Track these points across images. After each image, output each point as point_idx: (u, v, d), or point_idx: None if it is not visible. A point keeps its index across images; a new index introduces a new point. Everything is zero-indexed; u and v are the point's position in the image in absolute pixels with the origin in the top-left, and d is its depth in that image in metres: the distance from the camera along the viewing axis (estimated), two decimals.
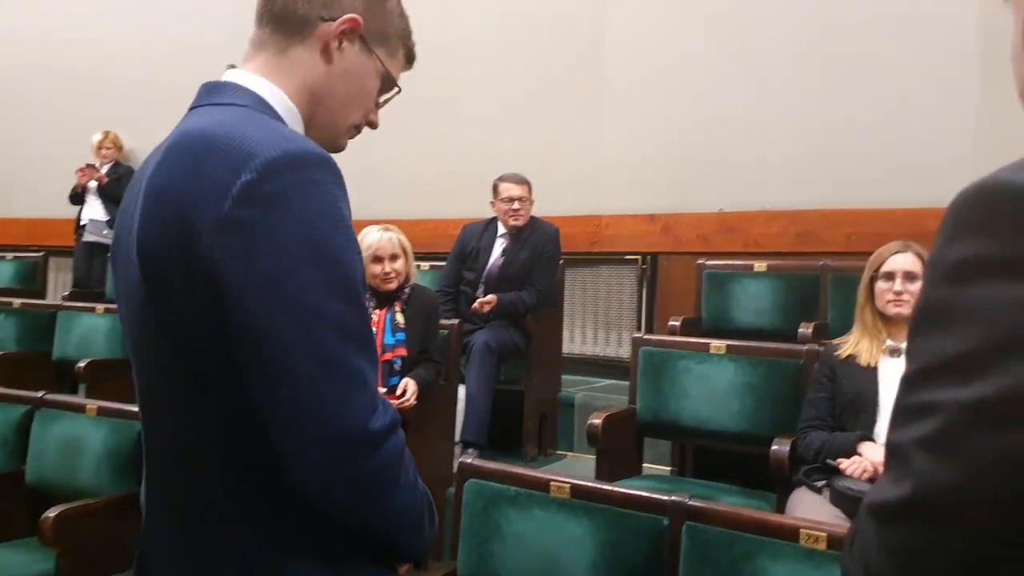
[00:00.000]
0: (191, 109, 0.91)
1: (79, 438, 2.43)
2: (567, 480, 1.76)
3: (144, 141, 5.20)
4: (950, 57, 3.59)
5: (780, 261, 3.43)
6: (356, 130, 1.00)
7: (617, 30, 4.58)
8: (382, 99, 1.00)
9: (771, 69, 4.09)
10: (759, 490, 2.32)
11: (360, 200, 4.38)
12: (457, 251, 3.71)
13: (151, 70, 5.42)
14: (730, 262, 3.51)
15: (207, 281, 0.77)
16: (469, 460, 1.91)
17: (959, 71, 3.58)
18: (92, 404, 2.49)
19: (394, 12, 0.99)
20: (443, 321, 3.05)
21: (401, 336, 2.76)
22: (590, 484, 1.75)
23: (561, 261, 3.92)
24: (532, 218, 3.69)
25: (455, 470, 1.93)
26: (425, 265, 4.19)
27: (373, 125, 1.00)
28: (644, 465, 3.10)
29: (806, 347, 2.35)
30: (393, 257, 2.84)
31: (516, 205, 3.57)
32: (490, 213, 3.76)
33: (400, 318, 2.80)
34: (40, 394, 2.60)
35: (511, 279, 3.56)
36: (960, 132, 3.58)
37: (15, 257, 5.31)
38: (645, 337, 2.67)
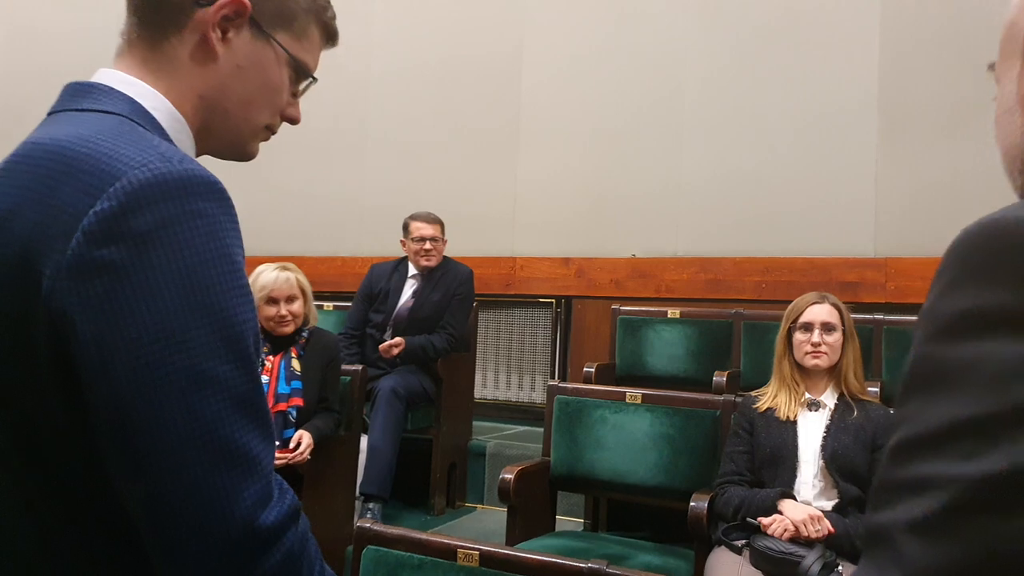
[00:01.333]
0: (49, 114, 0.73)
1: None
2: (476, 547, 1.60)
3: None
4: (852, 110, 3.73)
5: (693, 308, 3.42)
6: (268, 131, 0.83)
7: (532, 73, 4.56)
8: (299, 88, 0.83)
9: (684, 116, 4.15)
10: (677, 546, 2.22)
11: (257, 234, 4.15)
12: (364, 291, 3.53)
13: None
14: (644, 308, 3.48)
15: (49, 339, 0.61)
16: (368, 524, 1.73)
17: (860, 123, 3.72)
18: None
19: None
20: (346, 367, 2.85)
21: (297, 384, 2.55)
22: (501, 551, 1.60)
23: (475, 303, 3.80)
24: (445, 258, 3.56)
25: (354, 531, 1.75)
26: (329, 305, 3.99)
27: (293, 120, 0.84)
28: (558, 518, 2.97)
29: (722, 398, 2.30)
30: (290, 299, 2.63)
31: (428, 245, 3.44)
32: (400, 252, 3.61)
33: (296, 364, 2.59)
34: None
35: (421, 322, 3.41)
36: (861, 184, 3.70)
37: None
38: (560, 385, 2.56)
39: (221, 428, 0.62)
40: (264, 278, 2.62)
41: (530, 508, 2.43)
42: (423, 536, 1.69)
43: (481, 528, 3.24)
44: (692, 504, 2.01)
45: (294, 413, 2.53)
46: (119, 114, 0.70)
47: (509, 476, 2.30)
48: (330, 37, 0.85)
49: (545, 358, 4.54)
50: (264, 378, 2.55)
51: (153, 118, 0.73)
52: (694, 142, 4.10)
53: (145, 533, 0.63)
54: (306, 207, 4.95)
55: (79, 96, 0.72)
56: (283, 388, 2.55)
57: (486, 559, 1.57)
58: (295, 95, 0.84)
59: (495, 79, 4.61)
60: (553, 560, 1.56)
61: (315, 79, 0.84)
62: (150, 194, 0.61)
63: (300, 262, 4.82)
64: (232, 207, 0.68)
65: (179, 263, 0.61)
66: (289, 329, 2.62)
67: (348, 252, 4.81)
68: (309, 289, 2.73)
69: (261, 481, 0.64)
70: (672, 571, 2.05)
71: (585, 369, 3.20)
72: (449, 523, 3.29)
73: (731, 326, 3.20)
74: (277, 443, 2.42)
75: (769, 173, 3.88)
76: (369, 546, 1.68)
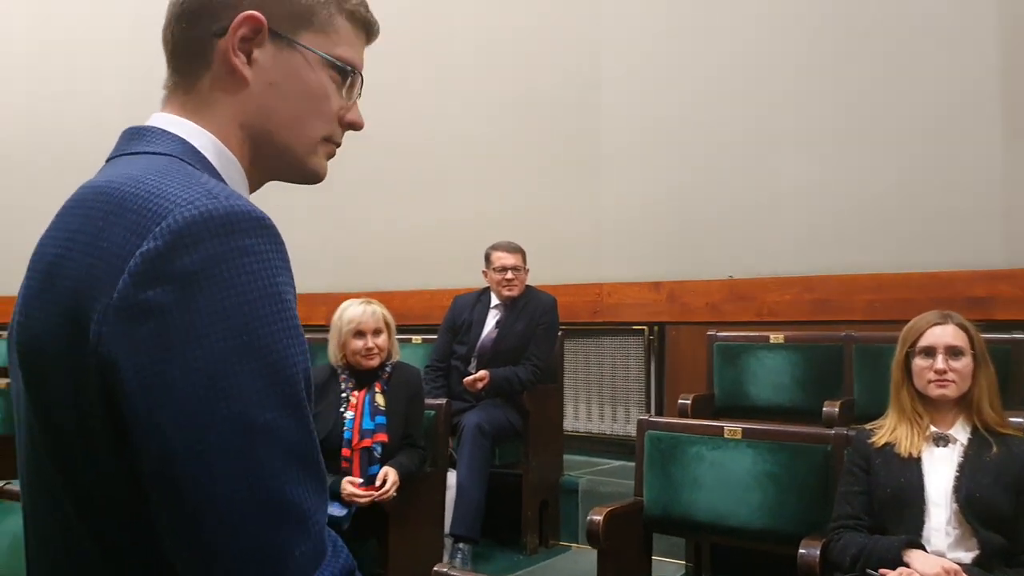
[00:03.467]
0: (107, 160, 0.72)
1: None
2: None
3: None
4: (972, 107, 3.41)
5: (797, 331, 3.17)
6: (329, 143, 0.77)
7: (611, 96, 4.45)
8: (347, 87, 0.76)
9: (779, 127, 3.92)
10: None
11: (350, 271, 4.17)
12: (448, 323, 3.48)
13: None
14: (743, 333, 3.26)
15: (98, 386, 0.57)
16: (444, 569, 1.63)
17: (982, 121, 3.39)
18: None
19: None
20: (429, 401, 2.79)
21: (381, 420, 2.50)
22: None
23: (560, 332, 3.68)
24: (527, 287, 3.47)
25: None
26: (418, 338, 3.96)
27: (355, 126, 0.79)
28: (656, 559, 2.78)
29: (834, 431, 2.07)
30: (376, 332, 2.60)
31: (510, 275, 3.35)
32: (484, 283, 3.54)
33: (380, 399, 2.54)
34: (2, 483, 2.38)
35: (506, 353, 3.31)
36: (986, 187, 3.36)
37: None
38: (651, 419, 2.39)
39: (271, 482, 0.57)
40: (351, 312, 2.62)
41: (622, 551, 2.26)
42: None
43: (575, 569, 3.09)
44: (802, 551, 1.80)
45: (379, 449, 2.47)
46: (169, 154, 0.68)
47: (598, 518, 2.15)
48: (364, 24, 0.78)
49: (639, 388, 4.35)
50: (349, 414, 2.52)
51: (203, 156, 0.70)
52: (791, 153, 3.86)
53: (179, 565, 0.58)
54: (394, 242, 4.99)
55: (134, 140, 0.71)
56: (367, 424, 2.50)
57: None
58: (349, 99, 0.77)
59: (573, 106, 4.52)
60: None
61: (358, 73, 0.77)
62: (196, 232, 0.57)
63: (390, 296, 4.86)
64: (282, 243, 0.62)
65: (225, 303, 0.57)
66: (375, 362, 2.59)
67: (437, 285, 4.79)
68: (393, 323, 2.70)
69: (314, 539, 0.60)
70: None
71: (680, 401, 3.01)
72: (542, 563, 3.16)
73: (841, 350, 2.94)
74: (360, 480, 2.39)
75: (877, 181, 3.60)
76: None
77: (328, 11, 0.74)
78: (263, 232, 0.60)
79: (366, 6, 0.78)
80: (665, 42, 4.27)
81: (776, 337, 3.05)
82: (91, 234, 0.60)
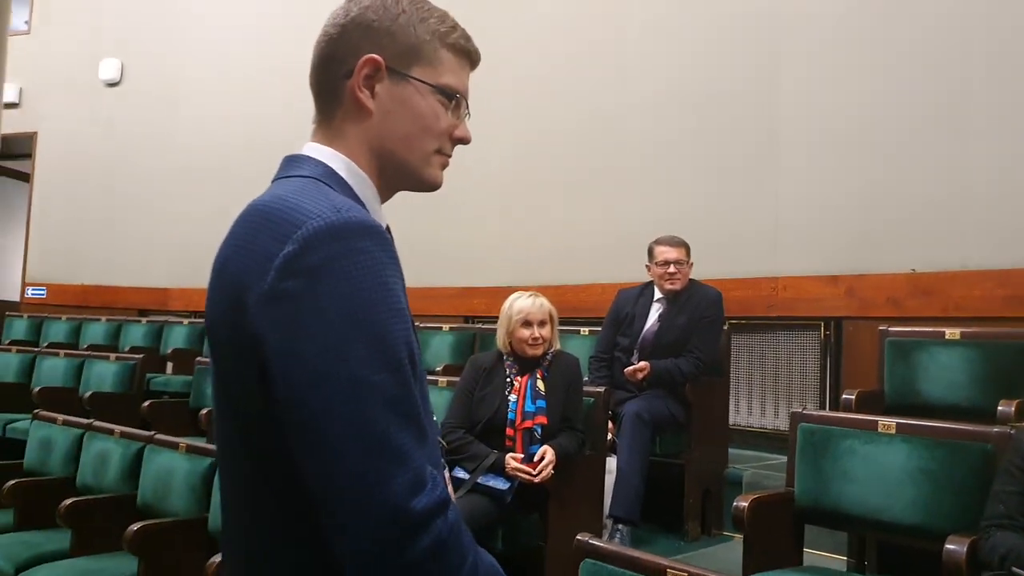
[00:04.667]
0: (273, 181, 0.92)
1: (171, 470, 2.84)
2: (684, 568, 1.60)
3: None
4: None
5: (979, 328, 2.98)
6: (441, 155, 0.93)
7: (790, 83, 4.36)
8: (453, 108, 0.92)
9: (969, 115, 3.67)
10: None
11: (526, 267, 4.49)
12: (612, 316, 3.64)
13: None
14: (917, 328, 3.12)
15: (253, 355, 0.76)
16: (586, 538, 1.82)
17: None
18: (183, 442, 2.86)
19: (411, 23, 0.90)
20: (590, 388, 2.97)
21: (542, 404, 2.73)
22: (704, 573, 1.59)
23: (726, 326, 3.71)
24: (691, 281, 3.54)
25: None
26: (585, 330, 4.15)
27: (463, 140, 0.94)
28: (811, 552, 2.77)
29: (996, 429, 2.00)
30: (542, 323, 2.84)
31: (672, 268, 3.45)
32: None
33: (541, 385, 2.77)
34: (151, 433, 3.02)
35: (667, 346, 3.42)
36: None
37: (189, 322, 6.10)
38: (805, 412, 2.41)
39: (374, 424, 0.74)
40: (520, 304, 2.87)
41: (770, 540, 2.32)
42: (634, 554, 1.73)
43: (736, 559, 3.12)
44: (949, 546, 1.78)
45: (539, 431, 2.70)
46: (311, 176, 0.87)
47: (743, 504, 2.23)
48: (466, 54, 0.93)
49: (814, 385, 4.24)
50: (512, 396, 2.77)
51: (339, 176, 0.88)
52: (982, 141, 3.60)
53: (317, 509, 0.76)
54: (568, 238, 5.21)
55: (291, 166, 0.91)
56: (529, 407, 2.74)
57: None
58: (457, 117, 0.92)
59: (752, 105, 4.48)
60: None
61: (462, 97, 0.92)
62: (322, 237, 0.76)
63: (563, 291, 5.12)
64: (389, 244, 0.80)
65: (341, 289, 0.75)
66: (539, 351, 2.82)
67: (608, 279, 4.95)
68: (556, 316, 2.92)
69: (413, 473, 0.74)
70: None
71: (844, 396, 2.95)
72: (701, 550, 3.23)
73: None
74: (521, 456, 2.63)
75: None
76: (587, 559, 1.76)
77: (433, 46, 0.90)
78: (373, 237, 0.77)
79: (466, 37, 0.93)
80: (847, 31, 4.12)
81: (952, 333, 2.90)
82: (247, 240, 0.79)
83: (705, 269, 3.86)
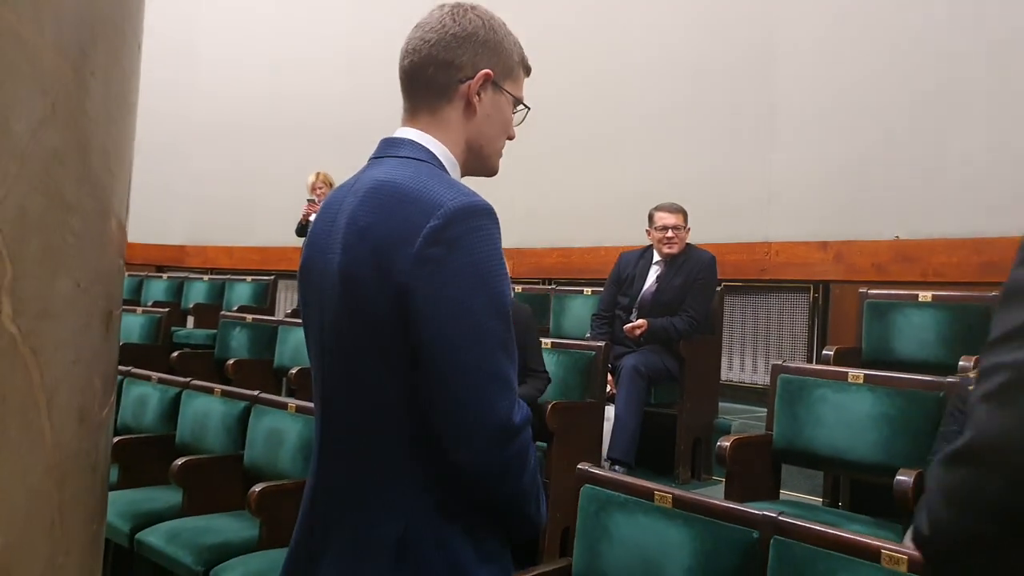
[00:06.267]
0: (375, 158, 1.11)
1: (281, 430, 2.93)
2: (669, 491, 1.88)
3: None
4: None
5: (949, 292, 3.24)
6: (500, 154, 1.18)
7: (787, 54, 4.55)
8: (517, 120, 1.17)
9: (962, 89, 3.86)
10: (893, 522, 2.26)
11: (532, 229, 4.71)
12: (613, 277, 3.89)
13: (350, 121, 6.18)
14: (894, 292, 3.37)
15: (399, 300, 0.98)
16: (586, 467, 2.09)
17: None
18: (292, 403, 2.99)
19: (512, 46, 1.14)
20: (590, 343, 3.24)
21: None
22: (689, 495, 1.87)
23: (720, 288, 3.96)
24: (688, 245, 3.78)
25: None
26: (588, 290, 4.41)
27: (512, 138, 1.18)
28: (790, 494, 3.07)
29: (948, 379, 2.26)
30: None
31: (670, 233, 3.69)
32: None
33: None
34: (256, 392, 3.16)
35: (664, 305, 3.67)
36: None
37: (252, 279, 6.25)
38: (784, 364, 2.68)
39: (491, 359, 0.99)
40: None
41: (750, 477, 2.60)
42: (626, 479, 2.01)
43: (719, 496, 3.42)
44: (898, 478, 2.05)
45: None
46: (425, 161, 1.07)
47: (726, 444, 2.51)
48: (528, 70, 1.19)
49: (802, 344, 4.52)
50: None
51: (440, 161, 1.09)
52: (967, 119, 3.81)
53: (440, 423, 0.99)
54: (575, 203, 5.43)
55: (394, 147, 1.10)
56: None
57: (677, 501, 1.85)
58: (518, 122, 1.18)
59: (748, 74, 4.67)
60: (732, 507, 1.79)
61: (528, 107, 1.17)
62: (458, 216, 0.98)
63: (568, 253, 5.37)
64: (498, 223, 1.03)
65: (471, 257, 0.98)
66: None
67: (612, 243, 5.19)
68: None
69: (512, 396, 1.00)
70: None
71: (824, 352, 3.22)
72: (692, 491, 3.52)
73: (989, 310, 3.00)
74: None
75: None
76: (586, 485, 2.04)
77: (518, 67, 1.15)
78: (490, 217, 1.00)
79: (527, 58, 1.18)
80: (840, 10, 4.30)
81: (925, 296, 3.15)
82: (388, 213, 1.00)
83: (703, 234, 4.10)
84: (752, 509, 1.74)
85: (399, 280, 0.98)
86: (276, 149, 7.14)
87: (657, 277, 3.75)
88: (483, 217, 1.00)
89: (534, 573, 1.98)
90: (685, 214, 3.76)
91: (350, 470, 1.08)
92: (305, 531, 1.14)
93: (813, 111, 4.42)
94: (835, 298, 4.33)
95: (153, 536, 2.66)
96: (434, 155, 1.08)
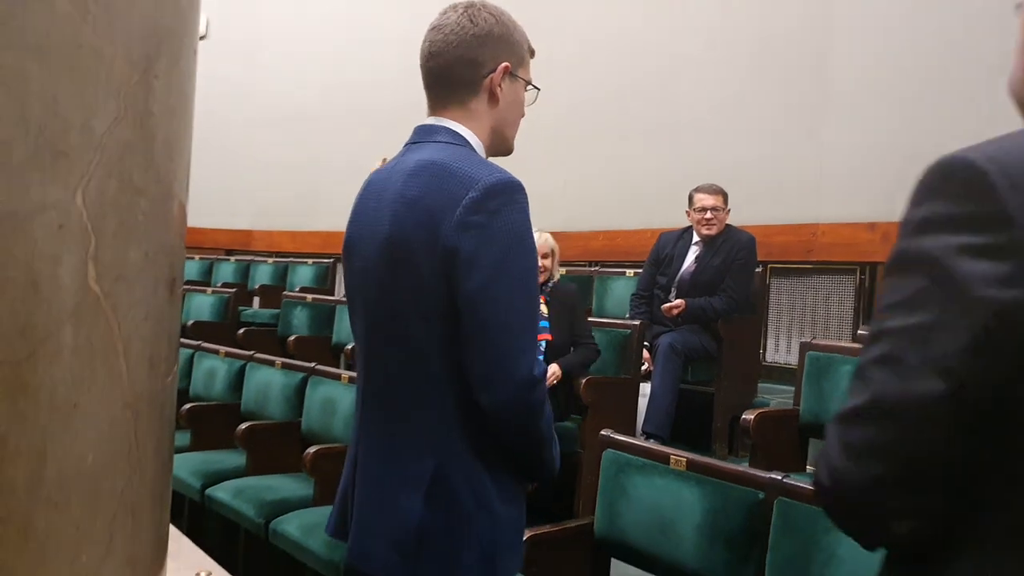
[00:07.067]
0: (414, 143, 1.27)
1: (334, 399, 3.16)
2: (684, 455, 2.01)
3: None
4: None
5: None
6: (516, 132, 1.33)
7: (843, 31, 4.52)
8: (528, 100, 1.32)
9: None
10: None
11: (580, 212, 4.85)
12: (653, 257, 3.98)
13: (405, 105, 6.37)
14: None
15: (444, 261, 1.14)
16: (608, 433, 2.23)
17: None
18: (345, 374, 3.22)
19: (521, 37, 1.29)
20: (627, 321, 3.36)
21: (545, 324, 3.13)
22: (703, 459, 1.99)
23: (760, 269, 4.01)
24: (728, 226, 3.84)
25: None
26: (631, 272, 4.51)
27: (522, 115, 1.34)
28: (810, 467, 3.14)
29: None
30: (544, 256, 3.23)
31: (708, 215, 3.76)
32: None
33: (544, 308, 3.17)
34: (312, 364, 3.40)
35: (703, 285, 3.75)
36: None
37: (313, 262, 6.56)
38: (812, 343, 2.76)
39: (523, 316, 1.16)
40: None
41: (777, 451, 2.69)
42: (645, 444, 2.15)
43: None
44: None
45: (543, 345, 3.13)
46: (461, 145, 1.24)
47: (750, 417, 2.61)
48: (533, 54, 1.33)
49: (847, 326, 4.52)
50: None
51: (471, 146, 1.25)
52: None
53: (473, 371, 1.15)
54: (623, 185, 5.52)
55: (431, 133, 1.26)
56: None
57: (691, 464, 1.97)
58: (530, 102, 1.34)
59: (802, 47, 4.66)
60: (741, 469, 1.90)
61: (539, 88, 1.33)
62: (495, 190, 1.14)
63: (613, 235, 5.47)
64: (527, 198, 1.18)
65: (508, 226, 1.14)
66: (541, 279, 3.23)
67: (657, 225, 5.26)
68: (557, 250, 3.30)
69: (535, 351, 1.18)
70: None
71: (859, 332, 3.26)
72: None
73: None
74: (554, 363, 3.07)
75: None
76: (608, 449, 2.19)
77: (526, 53, 1.30)
78: (522, 192, 1.16)
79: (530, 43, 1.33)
80: None
81: None
82: (436, 186, 1.16)
83: (750, 214, 4.14)
84: (760, 472, 1.85)
85: (444, 244, 1.13)
86: (336, 137, 7.42)
87: (696, 258, 3.83)
88: (517, 192, 1.16)
89: (561, 527, 2.14)
90: (725, 195, 3.82)
91: (388, 418, 1.24)
92: (348, 477, 1.31)
93: (865, 89, 4.40)
94: (881, 280, 4.31)
95: (221, 492, 2.92)
96: (467, 140, 1.25)
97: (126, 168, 1.05)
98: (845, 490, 0.68)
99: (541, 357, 3.11)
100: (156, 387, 1.14)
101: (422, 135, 1.26)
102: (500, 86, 1.25)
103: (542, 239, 3.26)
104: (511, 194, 1.15)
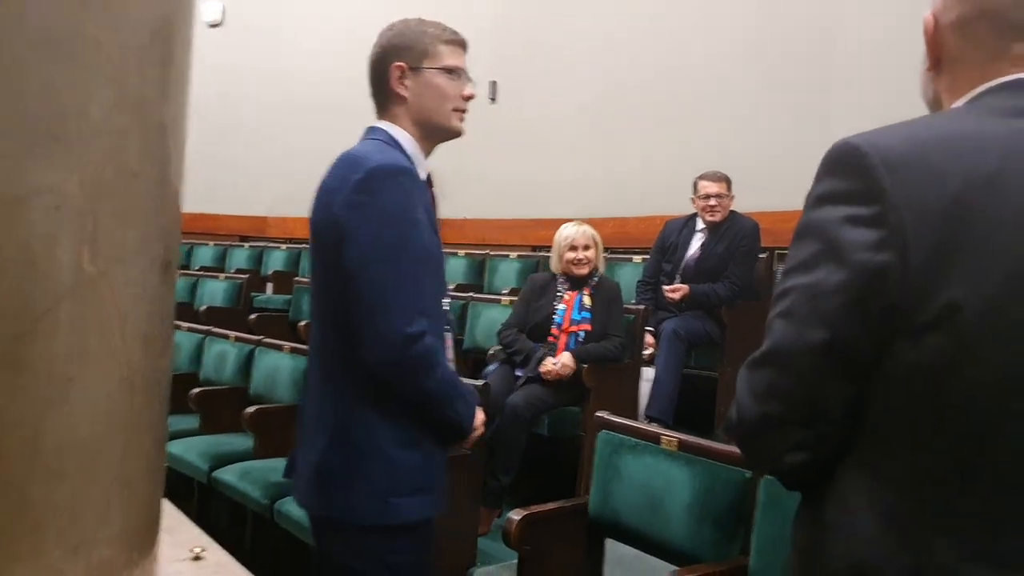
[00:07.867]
0: (360, 141, 1.50)
1: (277, 367, 3.48)
2: (676, 435, 2.05)
3: None
4: None
5: None
6: (458, 112, 1.47)
7: (854, 18, 4.50)
8: (467, 85, 1.47)
9: None
10: None
11: (591, 200, 4.90)
12: (658, 245, 4.01)
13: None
14: None
15: (336, 235, 1.34)
16: (602, 415, 2.28)
17: None
18: (287, 344, 3.51)
19: (422, 35, 1.44)
20: (631, 306, 3.40)
21: (587, 315, 3.20)
22: (693, 439, 2.03)
23: (767, 255, 4.02)
24: (732, 213, 3.86)
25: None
26: (638, 258, 4.54)
27: (470, 98, 1.49)
28: None
29: None
30: (586, 247, 3.27)
31: (712, 201, 3.77)
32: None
33: (587, 300, 3.23)
34: (259, 338, 3.67)
35: (707, 272, 3.77)
36: None
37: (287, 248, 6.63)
38: None
39: (395, 279, 1.34)
40: (567, 231, 3.32)
41: None
42: (638, 425, 2.19)
43: None
44: None
45: (582, 335, 3.19)
46: (381, 140, 1.45)
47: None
48: (457, 43, 1.48)
49: None
50: (561, 306, 3.26)
51: (398, 141, 1.46)
52: None
53: (356, 330, 1.34)
54: (628, 175, 5.54)
55: (368, 132, 1.50)
56: (576, 316, 3.23)
57: (682, 444, 2.01)
58: (462, 84, 1.47)
59: (810, 36, 4.65)
60: (728, 449, 1.94)
61: (461, 70, 1.47)
62: (376, 173, 1.35)
63: (623, 222, 5.50)
64: (415, 179, 1.39)
65: (386, 205, 1.34)
66: (584, 271, 3.27)
67: (665, 212, 5.27)
68: (600, 242, 3.35)
69: (411, 311, 1.34)
70: None
71: None
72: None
73: None
74: (554, 361, 3.11)
75: None
76: (603, 431, 2.23)
77: (433, 46, 1.45)
78: (406, 175, 1.35)
79: (453, 32, 1.48)
80: None
81: None
82: (340, 173, 1.38)
83: (759, 201, 4.15)
84: None
85: (335, 220, 1.34)
86: (351, 127, 7.41)
87: (700, 244, 3.85)
88: (401, 175, 1.35)
89: (555, 506, 2.19)
90: (729, 182, 3.83)
91: (314, 381, 1.48)
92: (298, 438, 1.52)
93: (871, 78, 4.38)
94: None
95: (228, 474, 3.00)
96: (392, 137, 1.44)
97: (122, 153, 1.10)
98: (749, 427, 0.79)
99: (572, 346, 3.18)
100: (151, 364, 1.19)
101: (366, 133, 1.48)
102: (403, 84, 1.43)
103: (580, 230, 3.31)
104: (394, 176, 1.33)
